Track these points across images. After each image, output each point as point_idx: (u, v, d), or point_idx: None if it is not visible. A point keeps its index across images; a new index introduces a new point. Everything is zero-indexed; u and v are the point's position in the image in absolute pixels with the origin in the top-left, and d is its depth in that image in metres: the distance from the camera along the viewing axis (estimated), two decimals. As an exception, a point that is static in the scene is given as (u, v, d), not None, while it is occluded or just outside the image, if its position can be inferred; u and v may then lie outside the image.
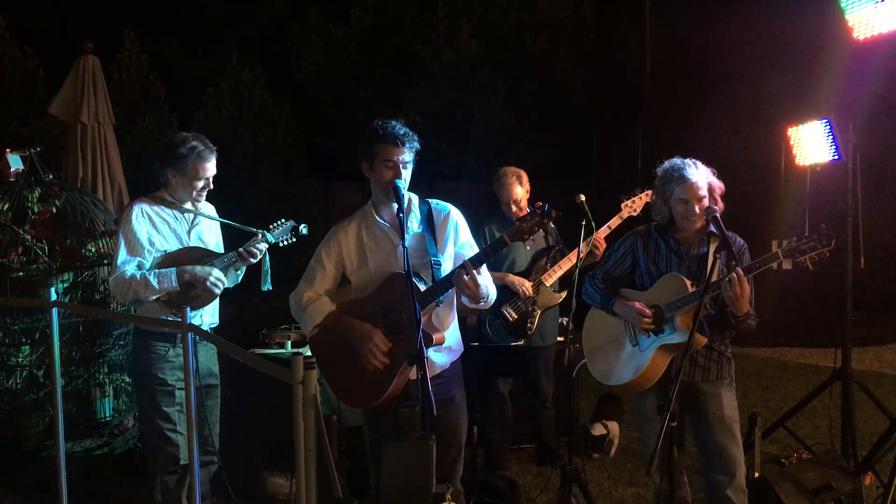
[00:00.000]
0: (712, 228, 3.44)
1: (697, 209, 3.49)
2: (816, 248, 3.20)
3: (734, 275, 3.22)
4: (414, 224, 3.35)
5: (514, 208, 5.05)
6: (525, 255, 5.08)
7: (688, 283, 3.42)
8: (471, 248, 3.40)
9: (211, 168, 3.84)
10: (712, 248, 3.38)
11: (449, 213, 3.41)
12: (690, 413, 3.62)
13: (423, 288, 3.15)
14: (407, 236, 3.25)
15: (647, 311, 3.50)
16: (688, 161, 3.56)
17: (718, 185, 3.55)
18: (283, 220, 4.02)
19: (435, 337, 3.20)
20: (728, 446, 3.49)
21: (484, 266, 3.30)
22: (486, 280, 3.29)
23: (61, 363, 4.00)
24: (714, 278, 3.24)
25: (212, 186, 3.90)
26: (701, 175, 3.51)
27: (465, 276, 3.06)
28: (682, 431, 3.65)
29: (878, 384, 7.37)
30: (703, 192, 3.49)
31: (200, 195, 3.88)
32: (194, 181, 3.81)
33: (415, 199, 3.40)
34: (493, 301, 3.35)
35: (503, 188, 5.08)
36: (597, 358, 3.79)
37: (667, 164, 3.62)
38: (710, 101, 10.01)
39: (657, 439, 2.94)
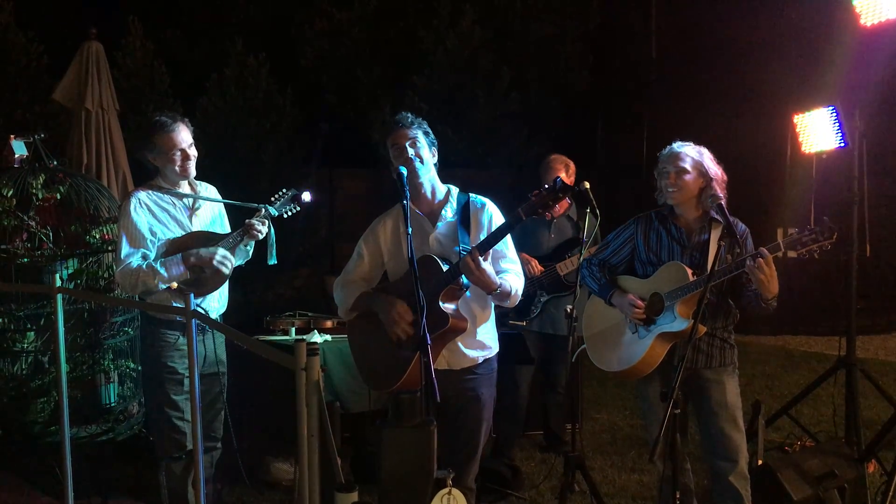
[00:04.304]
0: (714, 215, 3.43)
1: (672, 180, 3.47)
2: (818, 240, 3.18)
3: (760, 258, 3.19)
4: (448, 213, 3.37)
5: None
6: (548, 241, 5.12)
7: (689, 271, 3.40)
8: (503, 242, 3.34)
9: (181, 137, 3.74)
10: (715, 236, 3.37)
11: (485, 205, 3.43)
12: (693, 400, 3.62)
13: (445, 268, 3.16)
14: (440, 223, 3.33)
15: (639, 302, 3.51)
16: (688, 144, 3.55)
17: (715, 173, 3.49)
18: (284, 191, 3.97)
19: (454, 323, 3.15)
20: (730, 433, 3.49)
21: (515, 264, 3.35)
22: (504, 277, 3.26)
23: (66, 349, 4.01)
24: (717, 266, 3.23)
25: (194, 155, 3.80)
26: (689, 151, 3.49)
27: (469, 260, 3.06)
28: (686, 419, 3.65)
29: (883, 372, 7.37)
30: (685, 164, 3.46)
31: (186, 169, 3.78)
32: (169, 154, 3.72)
33: (454, 190, 3.44)
34: (518, 298, 3.32)
35: (548, 172, 5.13)
36: (596, 344, 3.79)
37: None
38: (715, 88, 9.97)
39: (660, 427, 2.94)
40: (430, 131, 3.38)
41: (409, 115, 3.36)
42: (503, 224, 3.21)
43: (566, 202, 5.15)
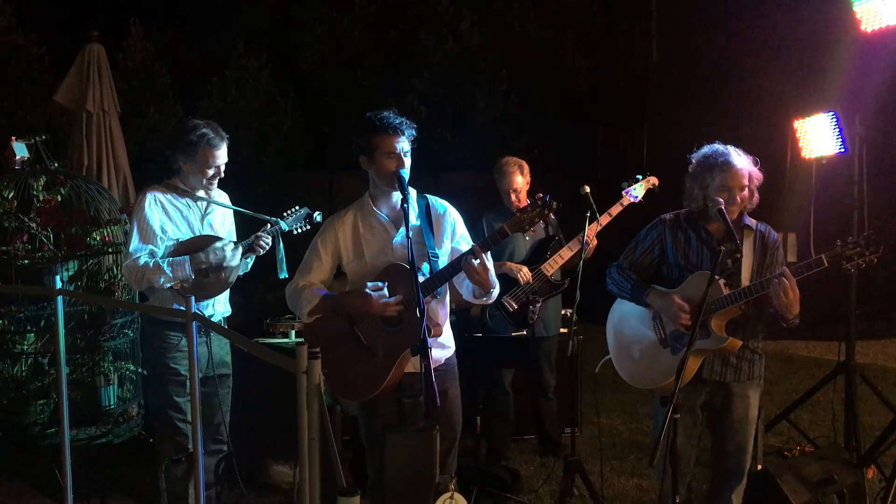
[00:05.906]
0: (747, 221, 3.38)
1: (738, 199, 3.37)
2: (864, 254, 3.09)
3: (784, 280, 3.11)
4: (412, 217, 3.33)
5: (513, 197, 5.05)
6: (524, 245, 5.10)
7: (721, 282, 3.27)
8: (468, 243, 3.39)
9: (221, 156, 3.85)
10: (748, 243, 3.30)
11: (447, 210, 3.43)
12: (713, 410, 3.55)
13: (422, 279, 3.15)
14: (403, 228, 3.27)
15: (687, 306, 3.33)
16: (730, 147, 3.44)
17: (758, 175, 3.42)
18: (297, 208, 4.03)
19: (434, 329, 3.20)
20: (746, 449, 3.49)
21: (489, 258, 3.30)
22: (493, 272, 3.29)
23: (66, 351, 4.01)
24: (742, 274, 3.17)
25: (223, 174, 3.91)
26: (745, 163, 3.39)
27: (474, 261, 3.06)
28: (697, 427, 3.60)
29: (882, 377, 7.36)
30: (746, 181, 3.37)
31: (211, 183, 3.89)
32: (204, 169, 3.81)
33: (413, 192, 3.41)
34: (496, 295, 3.35)
35: (504, 177, 5.08)
36: (624, 358, 3.67)
37: (707, 149, 3.48)
38: (716, 92, 9.96)
39: (659, 431, 2.92)
40: (415, 133, 3.36)
41: (401, 118, 3.33)
42: (488, 238, 3.20)
43: None
